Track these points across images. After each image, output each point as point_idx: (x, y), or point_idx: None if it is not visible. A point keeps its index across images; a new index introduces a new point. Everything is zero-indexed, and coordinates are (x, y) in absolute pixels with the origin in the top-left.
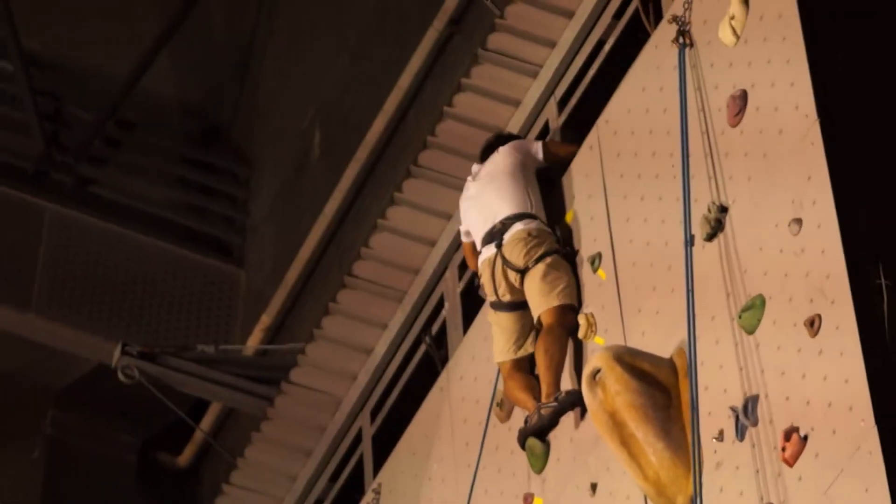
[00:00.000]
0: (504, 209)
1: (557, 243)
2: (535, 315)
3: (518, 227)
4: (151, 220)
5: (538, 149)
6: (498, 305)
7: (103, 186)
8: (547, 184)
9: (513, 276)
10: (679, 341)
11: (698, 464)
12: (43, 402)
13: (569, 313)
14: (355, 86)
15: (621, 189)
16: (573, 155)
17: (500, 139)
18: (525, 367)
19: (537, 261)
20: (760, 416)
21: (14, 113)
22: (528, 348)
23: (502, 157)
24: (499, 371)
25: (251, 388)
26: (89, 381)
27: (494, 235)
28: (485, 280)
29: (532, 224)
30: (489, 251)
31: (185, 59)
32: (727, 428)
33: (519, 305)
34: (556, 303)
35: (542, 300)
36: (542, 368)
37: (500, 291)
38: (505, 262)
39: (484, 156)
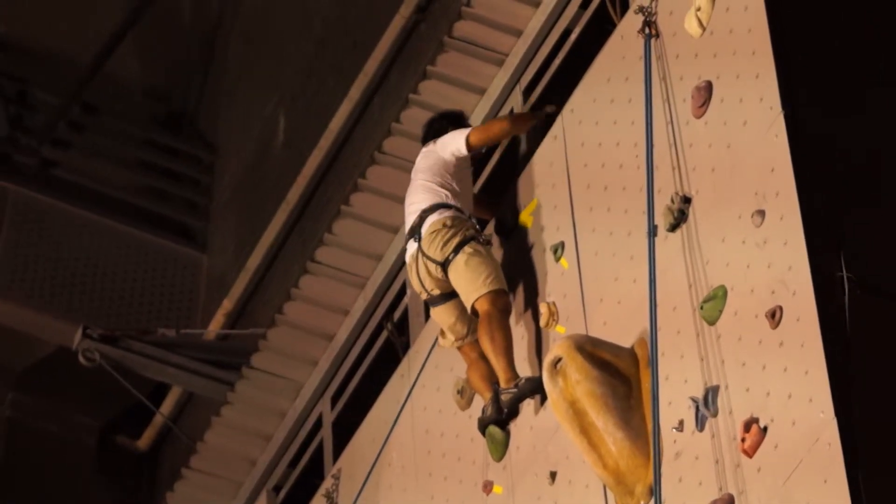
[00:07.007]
0: (420, 204)
1: (474, 230)
2: (467, 305)
3: (433, 217)
4: (114, 203)
5: (461, 146)
6: (431, 301)
7: (67, 169)
8: (511, 172)
9: (433, 269)
10: (640, 331)
11: (658, 453)
12: (2, 385)
13: (501, 296)
14: (320, 72)
15: (585, 179)
16: (506, 131)
17: (437, 121)
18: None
19: (455, 251)
20: (720, 407)
21: None
22: (475, 333)
23: (423, 158)
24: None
25: (212, 372)
26: (50, 364)
27: (414, 230)
28: (412, 279)
29: (447, 213)
30: (412, 247)
31: (151, 43)
32: (687, 418)
33: (450, 295)
34: (485, 290)
35: (471, 289)
36: (491, 356)
37: (428, 286)
38: (425, 256)
39: (424, 140)
